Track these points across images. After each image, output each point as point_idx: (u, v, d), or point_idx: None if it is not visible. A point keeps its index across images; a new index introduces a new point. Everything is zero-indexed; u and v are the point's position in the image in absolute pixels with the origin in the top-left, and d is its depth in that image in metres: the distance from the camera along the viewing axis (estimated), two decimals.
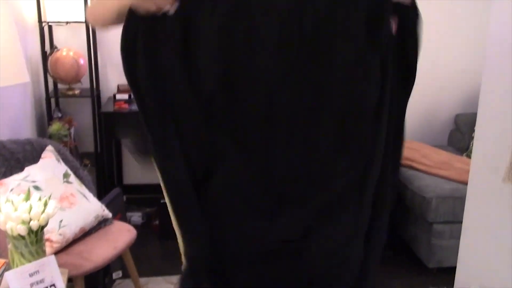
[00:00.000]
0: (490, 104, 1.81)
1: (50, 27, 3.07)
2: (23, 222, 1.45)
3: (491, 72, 1.78)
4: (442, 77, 3.55)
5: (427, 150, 3.27)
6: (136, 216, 3.27)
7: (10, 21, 1.49)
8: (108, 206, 2.28)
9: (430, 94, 3.58)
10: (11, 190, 1.92)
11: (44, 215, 1.48)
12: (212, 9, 1.05)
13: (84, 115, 3.20)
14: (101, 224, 2.21)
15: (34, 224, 1.46)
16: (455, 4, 3.41)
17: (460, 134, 3.47)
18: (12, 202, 1.49)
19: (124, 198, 2.84)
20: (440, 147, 3.45)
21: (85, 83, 3.09)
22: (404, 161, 3.07)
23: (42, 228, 1.50)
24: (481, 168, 1.87)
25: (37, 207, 1.49)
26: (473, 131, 2.60)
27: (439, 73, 3.54)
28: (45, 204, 1.52)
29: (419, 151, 3.22)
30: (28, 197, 1.54)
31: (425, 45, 3.51)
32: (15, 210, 1.47)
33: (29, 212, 1.47)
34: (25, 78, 1.46)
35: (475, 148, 1.91)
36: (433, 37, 3.44)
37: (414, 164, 3.05)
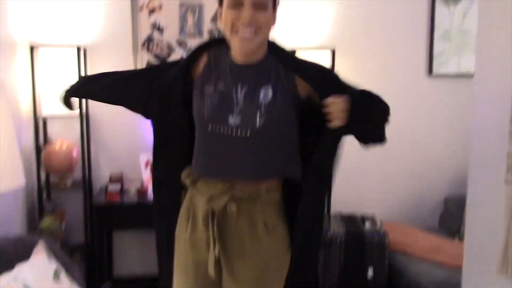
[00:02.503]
0: (479, 189, 1.85)
1: (44, 121, 3.13)
2: None
3: (478, 155, 1.84)
4: (429, 159, 3.63)
5: (420, 234, 3.28)
6: None
7: (8, 118, 1.53)
8: None
9: (418, 177, 3.64)
10: None
11: None
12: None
13: (75, 207, 3.18)
14: None
15: None
16: (439, 86, 3.56)
17: (450, 217, 3.49)
18: None
19: None
20: (432, 230, 3.45)
21: (77, 174, 3.11)
22: (397, 246, 3.07)
23: None
24: (475, 257, 1.88)
25: None
26: (463, 212, 2.62)
27: (426, 156, 3.63)
28: None
29: (411, 235, 3.23)
30: None
31: (410, 128, 3.62)
32: None
33: None
34: (21, 182, 1.48)
35: (467, 234, 1.93)
36: (419, 120, 3.57)
37: (408, 249, 3.04)
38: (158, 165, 1.68)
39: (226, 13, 1.48)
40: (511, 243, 1.63)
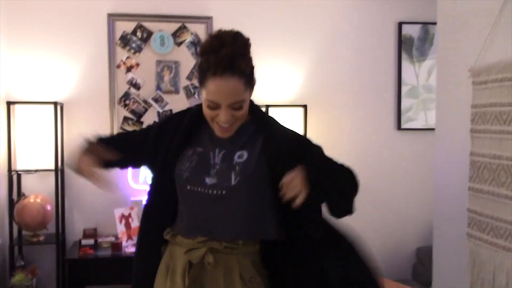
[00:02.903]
0: (443, 241, 1.91)
1: (19, 175, 3.13)
2: None
3: (440, 209, 1.91)
4: (400, 211, 3.71)
5: (391, 286, 3.30)
6: None
7: None
8: None
9: (390, 229, 3.71)
10: None
11: None
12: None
13: (47, 262, 3.15)
14: None
15: None
16: (408, 140, 3.69)
17: (422, 268, 3.54)
18: None
19: None
20: (405, 281, 3.47)
21: (51, 229, 3.09)
22: None
23: None
24: None
25: None
26: None
27: (397, 207, 3.71)
28: None
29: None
30: None
31: (381, 180, 3.69)
32: None
33: None
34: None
35: (434, 284, 1.98)
36: (389, 173, 3.67)
37: None
38: (146, 221, 1.72)
39: (205, 108, 1.54)
40: None
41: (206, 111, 1.53)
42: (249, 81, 1.51)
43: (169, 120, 1.76)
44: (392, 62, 3.66)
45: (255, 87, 1.56)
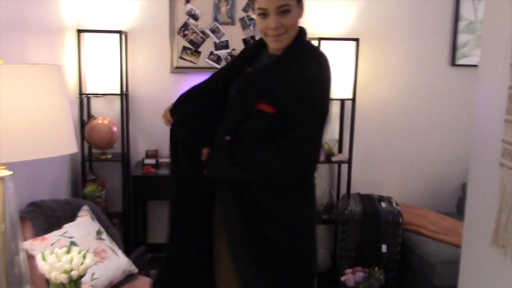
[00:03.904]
0: (478, 170, 2.02)
1: (88, 98, 3.42)
2: (65, 272, 1.69)
3: (478, 140, 2.00)
4: (448, 147, 3.77)
5: (435, 217, 3.44)
6: None
7: (64, 95, 1.77)
8: (134, 262, 2.50)
9: (437, 164, 3.79)
10: (52, 244, 2.16)
11: (83, 266, 1.72)
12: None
13: (114, 178, 3.48)
14: (127, 278, 2.42)
15: (75, 274, 1.69)
16: (462, 77, 3.68)
17: None
18: (56, 254, 1.74)
19: (149, 256, 3.05)
20: (449, 214, 3.60)
21: (117, 148, 3.40)
22: (411, 227, 3.25)
23: (80, 277, 1.73)
24: (472, 231, 2.05)
25: (77, 259, 1.73)
26: None
27: (445, 143, 3.76)
28: (84, 257, 1.76)
29: (426, 217, 3.39)
30: (69, 251, 1.78)
31: (431, 115, 3.76)
32: (59, 261, 1.71)
33: (70, 263, 1.71)
34: (74, 148, 1.73)
35: (466, 211, 2.10)
36: (440, 109, 3.71)
37: (421, 230, 3.22)
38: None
39: (257, 21, 1.74)
40: (501, 219, 1.81)
41: (259, 24, 1.73)
42: None
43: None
44: None
45: (305, 11, 1.77)
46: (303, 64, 1.72)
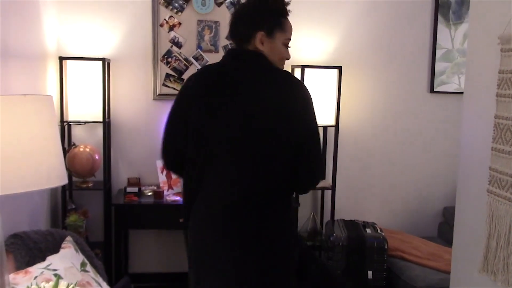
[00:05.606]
0: (466, 197, 2.05)
1: (69, 126, 3.37)
2: None
3: (465, 168, 2.04)
4: (429, 172, 3.83)
5: (417, 241, 3.47)
6: None
7: (54, 124, 1.73)
8: None
9: (419, 188, 3.84)
10: (35, 277, 2.09)
11: None
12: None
13: (95, 206, 3.42)
14: None
15: None
16: (440, 103, 3.77)
17: (448, 227, 3.68)
18: None
19: (132, 287, 2.98)
20: (430, 239, 3.64)
21: (98, 176, 3.34)
22: (395, 252, 3.26)
23: None
24: (461, 257, 2.07)
25: None
26: None
27: (426, 168, 3.82)
28: None
29: (409, 242, 3.42)
30: (56, 285, 1.72)
31: (411, 141, 3.83)
32: None
33: None
34: (65, 180, 1.70)
35: (455, 238, 2.12)
36: (420, 135, 3.77)
37: (405, 255, 3.23)
38: None
39: (281, 49, 1.97)
40: (491, 246, 1.83)
41: (282, 51, 1.97)
42: None
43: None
44: (428, 25, 3.69)
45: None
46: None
